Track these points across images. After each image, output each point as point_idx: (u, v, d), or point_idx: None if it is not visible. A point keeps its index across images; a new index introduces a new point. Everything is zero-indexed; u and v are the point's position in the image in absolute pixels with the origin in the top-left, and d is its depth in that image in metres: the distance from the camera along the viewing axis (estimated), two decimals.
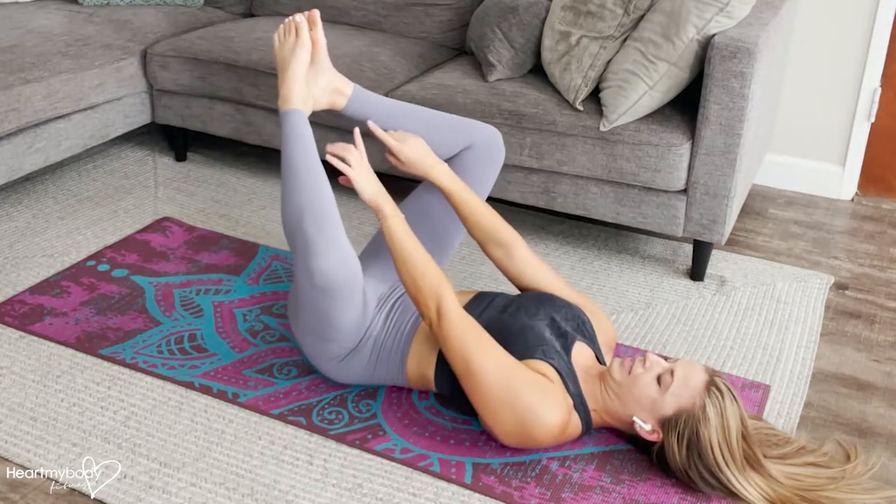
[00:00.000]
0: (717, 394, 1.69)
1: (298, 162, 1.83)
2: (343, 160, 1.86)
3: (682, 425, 1.71)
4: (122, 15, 3.18)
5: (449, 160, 2.08)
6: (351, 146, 1.86)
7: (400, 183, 3.11)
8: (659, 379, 1.73)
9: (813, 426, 2.00)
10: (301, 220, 1.75)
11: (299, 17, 1.92)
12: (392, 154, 1.99)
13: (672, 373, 1.73)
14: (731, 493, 1.71)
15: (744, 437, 1.70)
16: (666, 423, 1.74)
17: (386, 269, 2.09)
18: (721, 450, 1.68)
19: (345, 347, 1.91)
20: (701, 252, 2.55)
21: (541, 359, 1.77)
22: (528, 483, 1.77)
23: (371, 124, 1.91)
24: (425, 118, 2.07)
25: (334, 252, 1.75)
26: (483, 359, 1.71)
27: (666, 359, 1.81)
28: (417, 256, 1.77)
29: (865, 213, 3.10)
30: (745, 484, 1.69)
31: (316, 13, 1.95)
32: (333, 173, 1.95)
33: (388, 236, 1.78)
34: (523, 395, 1.69)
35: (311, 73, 1.95)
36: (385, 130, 2.00)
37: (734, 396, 1.70)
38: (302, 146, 1.84)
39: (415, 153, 1.96)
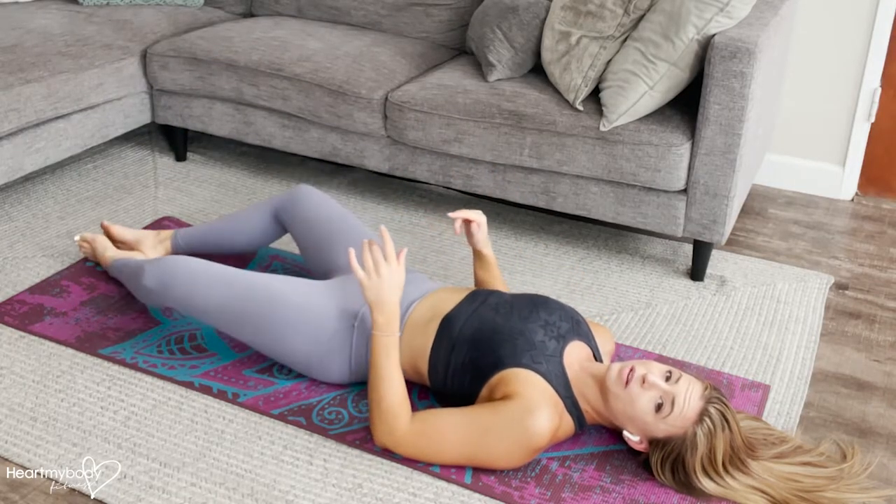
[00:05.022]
0: (710, 424, 1.69)
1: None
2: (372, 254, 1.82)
3: (670, 449, 1.73)
4: (122, 15, 3.18)
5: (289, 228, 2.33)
6: (381, 256, 1.80)
7: (402, 183, 3.11)
8: (657, 406, 1.71)
9: (813, 426, 2.00)
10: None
11: (77, 236, 2.51)
12: (472, 230, 2.08)
13: (673, 402, 1.70)
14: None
15: (731, 460, 1.71)
16: (653, 442, 1.76)
17: None
18: (705, 473, 1.70)
19: (319, 334, 1.93)
20: (701, 252, 2.55)
21: (527, 366, 1.78)
22: (527, 483, 1.77)
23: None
24: (235, 217, 2.39)
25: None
26: (448, 451, 1.76)
27: (660, 358, 1.81)
28: (391, 377, 1.76)
29: (865, 213, 3.10)
30: (729, 494, 1.71)
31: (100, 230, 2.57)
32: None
33: (373, 348, 1.78)
34: (503, 438, 1.71)
35: (128, 245, 2.47)
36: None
37: (727, 423, 1.70)
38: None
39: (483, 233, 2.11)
